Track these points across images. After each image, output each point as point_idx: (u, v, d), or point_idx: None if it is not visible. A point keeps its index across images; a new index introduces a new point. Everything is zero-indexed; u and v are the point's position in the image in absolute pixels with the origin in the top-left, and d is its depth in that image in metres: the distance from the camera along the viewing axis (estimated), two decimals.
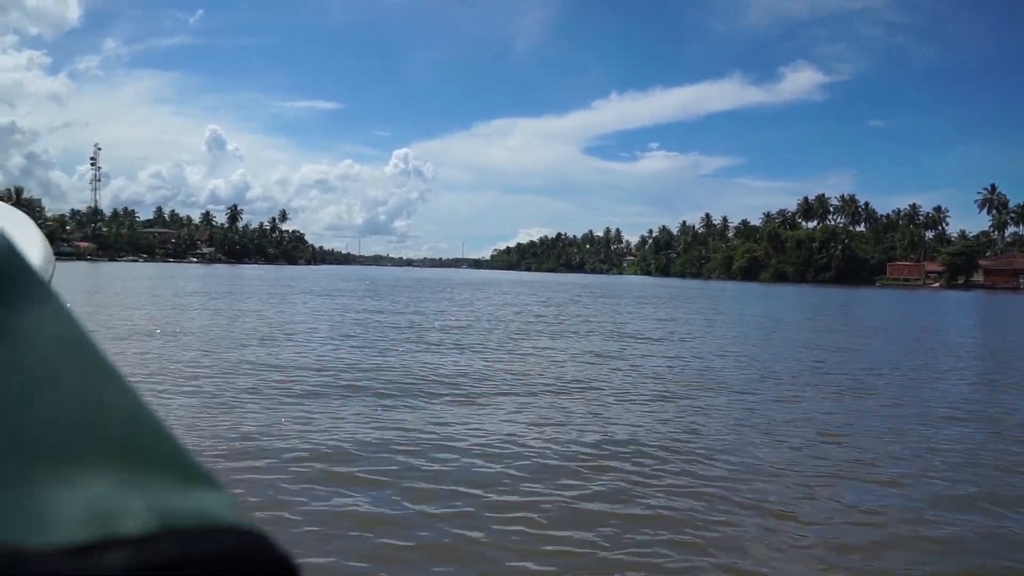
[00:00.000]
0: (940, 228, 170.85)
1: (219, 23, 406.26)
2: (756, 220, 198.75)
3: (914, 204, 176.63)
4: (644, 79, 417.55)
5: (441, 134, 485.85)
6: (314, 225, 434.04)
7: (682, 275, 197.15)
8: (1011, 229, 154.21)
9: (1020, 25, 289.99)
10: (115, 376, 0.37)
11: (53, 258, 1.64)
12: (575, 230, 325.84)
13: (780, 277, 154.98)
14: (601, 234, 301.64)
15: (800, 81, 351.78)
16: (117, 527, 0.28)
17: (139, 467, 0.32)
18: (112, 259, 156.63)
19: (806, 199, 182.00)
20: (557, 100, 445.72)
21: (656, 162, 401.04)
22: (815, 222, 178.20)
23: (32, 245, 1.54)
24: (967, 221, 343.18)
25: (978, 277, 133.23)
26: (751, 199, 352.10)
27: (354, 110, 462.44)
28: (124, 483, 0.30)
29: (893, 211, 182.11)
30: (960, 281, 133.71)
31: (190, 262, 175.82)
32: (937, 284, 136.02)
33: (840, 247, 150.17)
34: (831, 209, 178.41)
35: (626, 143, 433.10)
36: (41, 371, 0.34)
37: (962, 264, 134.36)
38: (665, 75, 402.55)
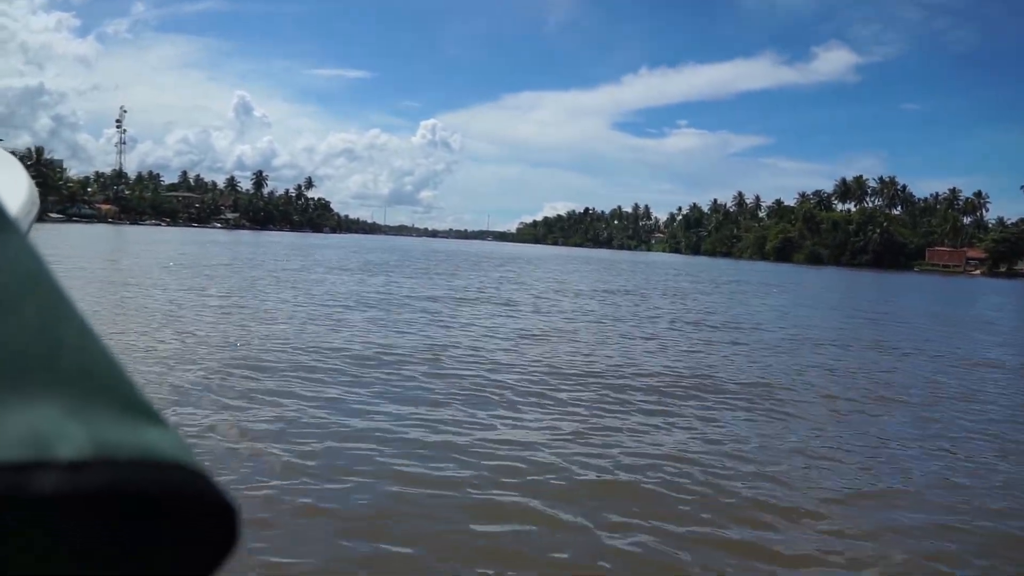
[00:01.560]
0: (978, 214, 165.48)
1: None
2: (788, 200, 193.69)
3: (954, 188, 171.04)
4: (675, 55, 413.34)
5: (469, 106, 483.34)
6: (340, 194, 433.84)
7: (712, 254, 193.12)
8: None
9: None
10: (71, 309, 0.37)
11: (37, 201, 1.67)
12: (601, 205, 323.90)
13: (814, 259, 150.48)
14: (629, 210, 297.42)
15: (833, 62, 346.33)
16: (52, 450, 0.28)
17: (85, 397, 0.30)
18: (134, 222, 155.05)
19: (843, 180, 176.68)
20: (586, 74, 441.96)
21: (685, 139, 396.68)
22: (851, 204, 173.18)
23: (15, 185, 1.58)
24: (1002, 207, 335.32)
25: (1022, 266, 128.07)
26: (780, 179, 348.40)
27: (383, 79, 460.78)
28: (68, 410, 0.30)
29: (931, 195, 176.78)
30: (1002, 269, 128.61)
31: (214, 227, 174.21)
32: (978, 272, 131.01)
33: (878, 230, 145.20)
34: (868, 191, 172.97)
35: (655, 119, 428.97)
36: None
37: (1006, 252, 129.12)
38: (696, 52, 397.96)
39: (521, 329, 17.50)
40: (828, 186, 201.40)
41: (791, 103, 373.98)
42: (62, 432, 0.29)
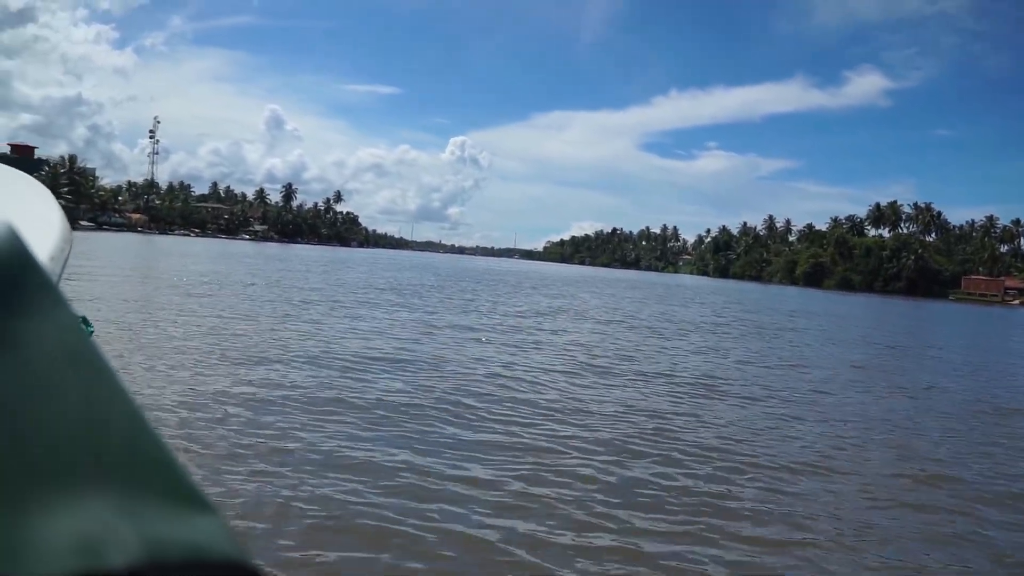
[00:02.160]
0: (1016, 243, 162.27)
1: (283, 4, 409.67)
2: (819, 224, 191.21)
3: (991, 216, 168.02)
4: (705, 77, 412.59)
5: (498, 123, 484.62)
6: (368, 208, 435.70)
7: (741, 277, 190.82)
8: None
9: None
10: (118, 390, 0.35)
11: (71, 236, 1.57)
12: (628, 226, 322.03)
13: (846, 285, 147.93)
14: (657, 231, 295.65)
15: (865, 86, 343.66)
16: (105, 559, 0.27)
17: (134, 490, 0.31)
18: (163, 232, 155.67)
19: (877, 205, 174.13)
20: (616, 95, 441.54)
21: (713, 161, 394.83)
22: (885, 229, 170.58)
23: (47, 223, 1.48)
24: None
25: None
26: (808, 203, 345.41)
27: (413, 96, 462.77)
28: (117, 508, 0.29)
29: (967, 222, 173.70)
30: None
31: (242, 239, 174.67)
32: (1017, 302, 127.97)
33: (913, 257, 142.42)
34: (903, 217, 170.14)
35: (684, 141, 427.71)
36: (41, 383, 0.33)
37: None
38: (727, 74, 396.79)
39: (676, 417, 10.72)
40: (857, 211, 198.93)
41: (821, 127, 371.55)
42: (113, 535, 0.28)
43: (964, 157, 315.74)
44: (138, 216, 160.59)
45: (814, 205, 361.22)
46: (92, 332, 1.47)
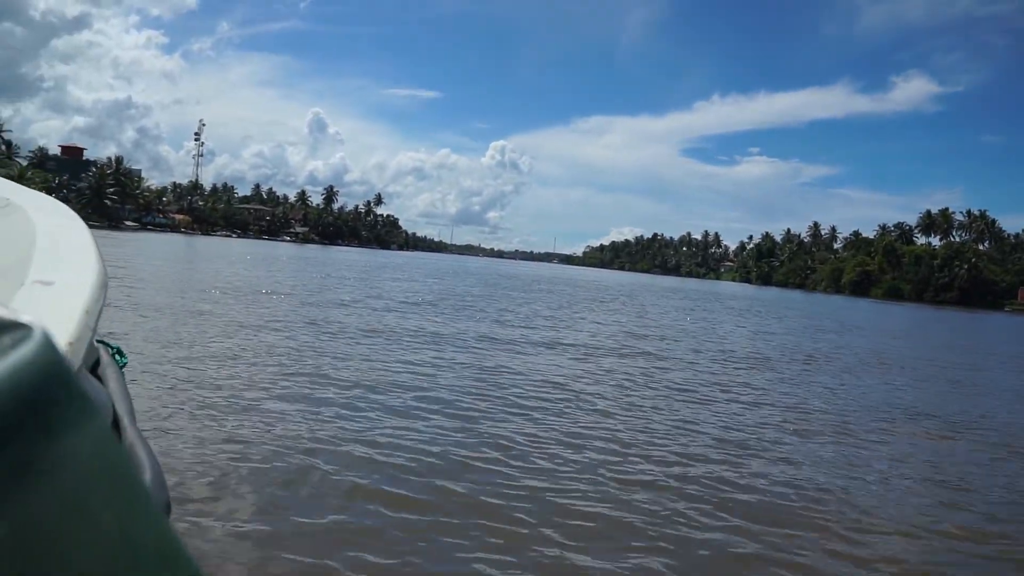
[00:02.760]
0: None
1: (328, 9, 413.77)
2: (866, 232, 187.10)
3: None
4: (748, 83, 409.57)
5: (539, 128, 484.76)
6: (408, 211, 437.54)
7: (784, 285, 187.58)
8: None
9: None
10: (147, 504, 0.35)
11: (107, 278, 1.45)
12: (668, 232, 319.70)
13: (894, 294, 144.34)
14: (699, 237, 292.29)
15: (911, 91, 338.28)
16: None
17: None
18: (206, 233, 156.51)
19: (928, 212, 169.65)
20: (657, 100, 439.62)
21: (755, 167, 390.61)
22: (936, 238, 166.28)
23: (84, 264, 1.36)
24: None
25: None
26: (851, 210, 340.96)
27: (455, 100, 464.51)
28: None
29: (1023, 230, 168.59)
30: None
31: (283, 240, 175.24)
32: None
33: (966, 266, 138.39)
34: (955, 225, 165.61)
35: (725, 146, 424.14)
36: (77, 506, 0.33)
37: None
38: (770, 80, 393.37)
39: None
40: (900, 218, 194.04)
41: (866, 133, 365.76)
42: None
43: (1014, 164, 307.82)
44: (182, 217, 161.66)
45: (857, 212, 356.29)
46: (125, 364, 1.54)
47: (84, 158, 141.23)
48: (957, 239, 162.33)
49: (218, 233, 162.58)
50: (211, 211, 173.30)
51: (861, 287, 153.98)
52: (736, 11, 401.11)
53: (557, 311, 31.66)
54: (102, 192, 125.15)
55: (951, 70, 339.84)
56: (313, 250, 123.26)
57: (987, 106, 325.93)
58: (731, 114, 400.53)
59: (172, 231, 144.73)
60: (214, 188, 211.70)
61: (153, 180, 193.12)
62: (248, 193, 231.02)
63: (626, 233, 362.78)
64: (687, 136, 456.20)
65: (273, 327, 16.80)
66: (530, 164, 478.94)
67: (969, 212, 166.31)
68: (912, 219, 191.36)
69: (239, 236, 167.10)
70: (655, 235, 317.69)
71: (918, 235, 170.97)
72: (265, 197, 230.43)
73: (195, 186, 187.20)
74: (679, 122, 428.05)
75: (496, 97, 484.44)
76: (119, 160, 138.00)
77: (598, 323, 27.43)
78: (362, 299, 27.48)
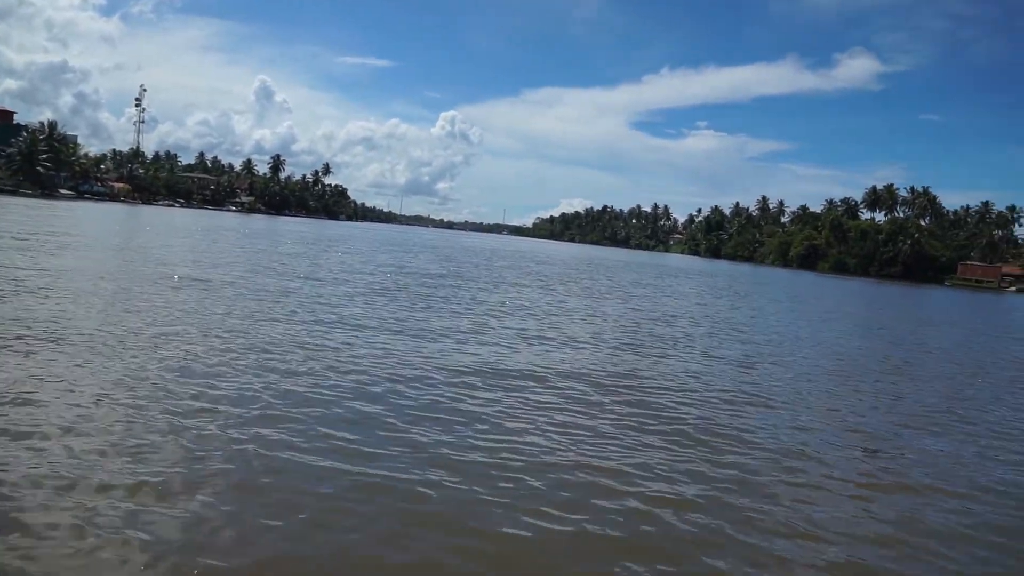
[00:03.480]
0: (1009, 229, 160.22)
1: None
2: (814, 207, 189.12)
3: (987, 201, 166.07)
4: (697, 57, 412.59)
5: (490, 99, 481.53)
6: (357, 182, 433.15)
7: (733, 258, 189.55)
8: None
9: None
10: None
11: None
12: (617, 204, 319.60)
13: (840, 268, 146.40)
14: (648, 209, 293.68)
15: (856, 69, 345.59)
16: None
17: None
18: (147, 202, 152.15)
19: (874, 188, 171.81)
20: (608, 72, 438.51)
21: (703, 141, 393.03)
22: (881, 213, 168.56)
23: None
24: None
25: None
26: (797, 185, 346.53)
27: (406, 69, 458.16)
28: None
29: (962, 207, 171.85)
30: None
31: (228, 210, 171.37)
32: (1014, 289, 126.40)
33: (909, 242, 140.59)
34: (899, 201, 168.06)
35: (674, 120, 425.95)
36: None
37: None
38: (719, 54, 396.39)
39: None
40: (845, 193, 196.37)
41: (812, 109, 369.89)
42: None
43: (953, 142, 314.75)
44: (121, 185, 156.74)
45: (803, 187, 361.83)
46: None
47: (15, 122, 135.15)
48: (901, 215, 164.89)
49: (160, 202, 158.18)
50: (153, 180, 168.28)
51: (808, 261, 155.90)
52: None
53: (540, 296, 30.59)
54: (34, 159, 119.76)
55: (893, 50, 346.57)
56: (259, 220, 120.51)
57: (927, 86, 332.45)
58: (681, 88, 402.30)
59: (111, 200, 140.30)
60: (156, 156, 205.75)
61: (92, 147, 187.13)
62: (192, 162, 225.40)
63: (576, 205, 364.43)
64: (637, 109, 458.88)
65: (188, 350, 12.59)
66: (480, 135, 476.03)
67: (912, 189, 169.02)
68: (856, 194, 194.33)
69: (182, 205, 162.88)
70: (605, 207, 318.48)
71: (864, 210, 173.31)
72: (210, 166, 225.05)
73: (136, 154, 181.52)
74: (629, 95, 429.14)
75: (447, 67, 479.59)
76: (52, 125, 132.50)
77: (596, 319, 24.48)
78: (308, 298, 22.95)
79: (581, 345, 17.78)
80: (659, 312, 28.72)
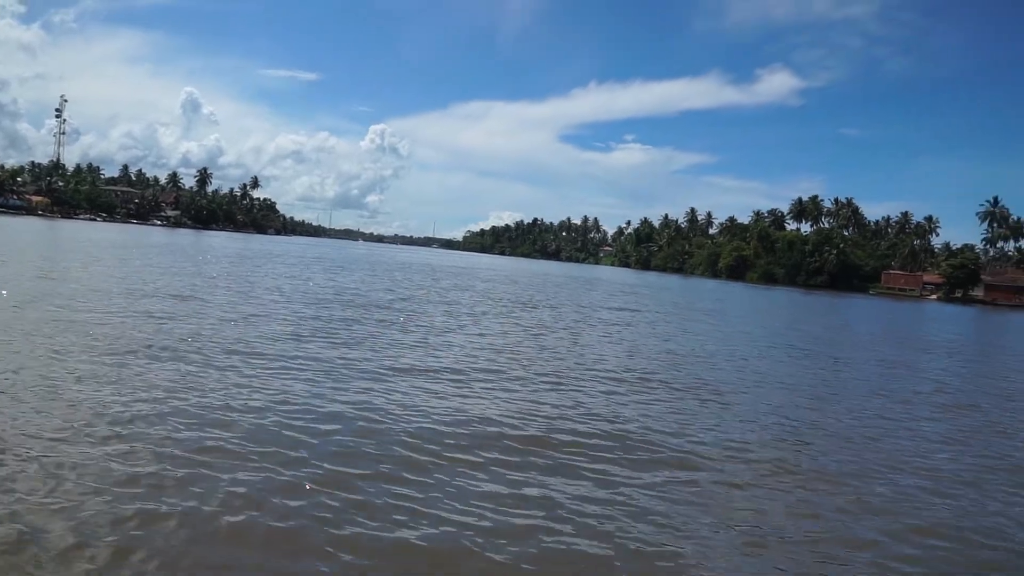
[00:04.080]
0: (927, 239, 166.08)
1: None
2: (741, 218, 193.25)
3: (906, 212, 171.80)
4: (624, 71, 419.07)
5: (419, 112, 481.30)
6: (286, 195, 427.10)
7: (663, 270, 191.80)
8: (1007, 244, 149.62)
9: (992, 44, 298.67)
10: None
11: None
12: (547, 217, 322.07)
13: (768, 279, 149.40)
14: (578, 222, 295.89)
15: (776, 84, 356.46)
16: None
17: None
18: (67, 216, 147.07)
19: (800, 199, 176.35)
20: (536, 86, 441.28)
21: (631, 154, 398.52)
22: (807, 224, 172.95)
23: None
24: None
25: (978, 292, 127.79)
26: (722, 197, 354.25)
27: (334, 83, 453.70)
28: None
29: (883, 218, 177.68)
30: (958, 295, 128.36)
31: (153, 224, 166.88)
32: (935, 296, 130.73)
33: (834, 252, 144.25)
34: (824, 212, 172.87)
35: (602, 133, 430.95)
36: None
37: (964, 278, 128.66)
38: (645, 69, 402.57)
39: None
40: (769, 204, 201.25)
41: (735, 123, 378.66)
42: None
43: (870, 155, 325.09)
44: (39, 199, 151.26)
45: (728, 199, 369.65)
46: None
47: None
48: (826, 225, 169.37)
49: (81, 216, 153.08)
50: (73, 193, 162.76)
51: (737, 271, 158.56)
52: (613, 1, 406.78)
53: (503, 330, 24.94)
54: None
55: (812, 66, 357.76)
56: (185, 235, 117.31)
57: (844, 101, 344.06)
58: (608, 101, 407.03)
59: (28, 214, 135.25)
60: (78, 168, 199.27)
61: (11, 160, 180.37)
62: (116, 175, 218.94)
63: (505, 218, 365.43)
64: (565, 122, 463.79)
65: None
66: (410, 148, 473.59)
67: (836, 200, 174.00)
68: (779, 205, 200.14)
69: (105, 220, 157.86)
70: (535, 220, 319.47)
71: (790, 221, 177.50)
72: (134, 179, 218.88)
73: (56, 166, 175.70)
74: (557, 108, 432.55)
75: (377, 80, 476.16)
76: None
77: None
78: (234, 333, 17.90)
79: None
80: (693, 344, 28.57)
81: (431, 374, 14.96)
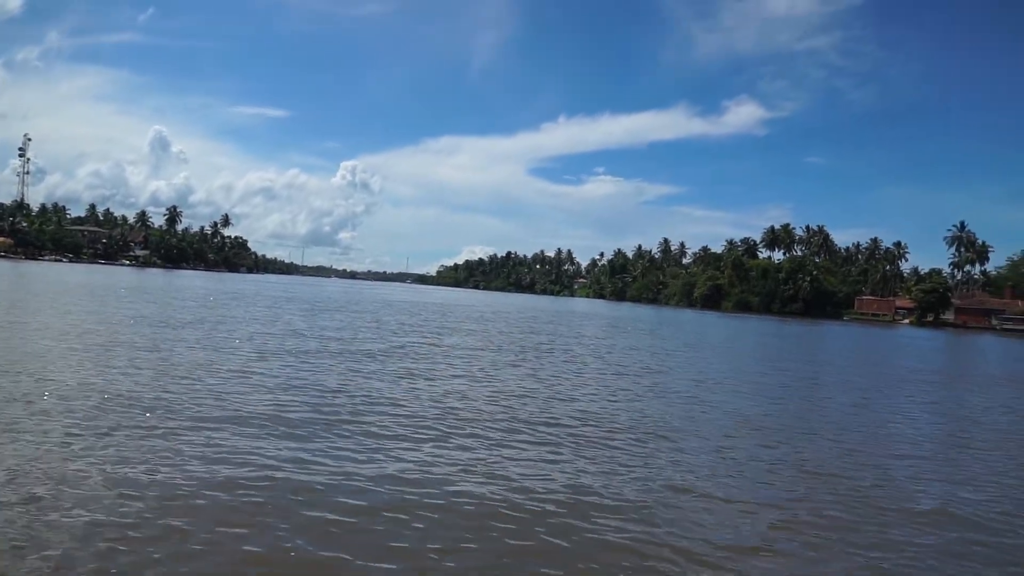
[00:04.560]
0: (896, 264, 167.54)
1: (171, 23, 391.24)
2: (713, 247, 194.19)
3: (875, 238, 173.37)
4: (592, 105, 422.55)
5: (389, 148, 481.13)
6: (257, 233, 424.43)
7: (638, 300, 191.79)
8: (973, 268, 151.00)
9: (945, 76, 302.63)
10: None
11: None
12: (519, 250, 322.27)
13: (744, 307, 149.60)
14: (552, 255, 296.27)
15: (743, 115, 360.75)
16: None
17: None
18: (31, 257, 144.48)
19: (772, 228, 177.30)
20: (506, 121, 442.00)
21: (601, 186, 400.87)
22: (779, 252, 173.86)
23: None
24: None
25: (948, 315, 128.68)
26: (691, 227, 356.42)
27: (304, 119, 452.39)
28: None
29: (853, 244, 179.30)
30: (929, 319, 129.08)
31: (122, 264, 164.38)
32: (907, 321, 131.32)
33: (808, 279, 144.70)
34: (796, 239, 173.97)
35: (572, 166, 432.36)
36: None
37: (934, 302, 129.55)
38: (613, 102, 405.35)
39: None
40: (739, 234, 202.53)
41: (703, 153, 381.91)
42: None
43: (835, 183, 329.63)
44: (1, 240, 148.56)
45: (698, 229, 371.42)
46: None
47: None
48: (799, 253, 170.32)
49: (46, 257, 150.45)
50: (38, 233, 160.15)
51: (712, 300, 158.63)
52: (580, 36, 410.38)
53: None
54: None
55: (776, 97, 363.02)
56: (153, 276, 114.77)
57: (808, 130, 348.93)
58: (578, 135, 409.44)
59: None
60: (43, 208, 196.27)
61: None
62: (83, 214, 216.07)
63: (478, 252, 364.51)
64: (535, 156, 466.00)
65: None
66: (381, 184, 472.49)
67: (808, 227, 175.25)
68: (748, 234, 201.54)
69: (71, 260, 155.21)
70: (509, 253, 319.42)
71: (762, 249, 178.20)
72: (101, 218, 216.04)
73: (20, 206, 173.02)
74: (527, 142, 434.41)
75: (346, 117, 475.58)
76: None
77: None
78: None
79: None
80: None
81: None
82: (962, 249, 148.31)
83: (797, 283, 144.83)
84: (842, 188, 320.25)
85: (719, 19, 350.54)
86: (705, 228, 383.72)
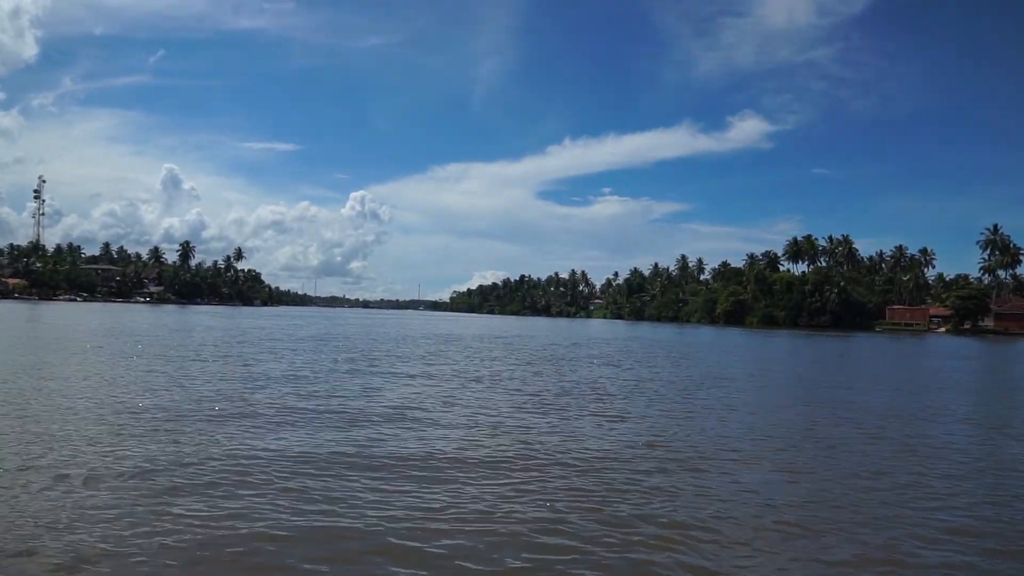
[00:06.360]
0: (918, 272, 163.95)
1: (180, 64, 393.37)
2: (732, 262, 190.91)
3: (900, 246, 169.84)
4: (597, 126, 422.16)
5: (397, 177, 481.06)
6: (269, 266, 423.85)
7: (657, 319, 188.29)
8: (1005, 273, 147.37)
9: (945, 84, 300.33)
10: None
11: None
12: (529, 273, 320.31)
13: (769, 322, 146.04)
14: (566, 276, 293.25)
15: (747, 130, 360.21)
16: None
17: None
18: (46, 298, 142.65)
19: (795, 239, 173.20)
20: (512, 146, 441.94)
21: (609, 207, 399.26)
22: (802, 264, 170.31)
23: None
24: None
25: (987, 322, 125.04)
26: (700, 243, 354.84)
27: (313, 152, 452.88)
28: None
29: (876, 253, 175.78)
30: (966, 326, 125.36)
31: (136, 302, 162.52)
32: (943, 329, 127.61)
33: (835, 290, 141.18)
34: (819, 251, 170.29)
35: (579, 188, 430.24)
36: None
37: (973, 308, 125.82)
38: (618, 123, 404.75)
39: None
40: (748, 248, 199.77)
41: (709, 170, 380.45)
42: None
43: (842, 194, 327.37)
44: (16, 282, 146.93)
45: (708, 245, 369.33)
46: None
47: None
48: (824, 264, 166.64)
49: (60, 297, 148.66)
50: (52, 273, 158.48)
51: (736, 316, 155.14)
52: (582, 60, 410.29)
53: None
54: None
55: (780, 110, 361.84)
56: (167, 313, 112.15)
57: (813, 142, 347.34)
58: (583, 156, 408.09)
59: (3, 297, 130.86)
60: (58, 249, 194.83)
61: None
62: (98, 253, 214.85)
63: (489, 277, 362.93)
64: (542, 179, 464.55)
65: None
66: (390, 213, 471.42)
67: (831, 237, 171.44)
68: (757, 248, 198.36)
69: (85, 299, 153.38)
70: (523, 277, 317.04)
71: (784, 261, 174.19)
72: (115, 256, 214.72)
73: (35, 247, 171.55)
74: (534, 166, 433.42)
75: (354, 148, 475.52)
76: None
77: None
78: None
79: None
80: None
81: None
82: (996, 252, 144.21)
83: (824, 295, 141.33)
84: (850, 198, 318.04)
85: (719, 37, 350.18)
86: (715, 244, 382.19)
